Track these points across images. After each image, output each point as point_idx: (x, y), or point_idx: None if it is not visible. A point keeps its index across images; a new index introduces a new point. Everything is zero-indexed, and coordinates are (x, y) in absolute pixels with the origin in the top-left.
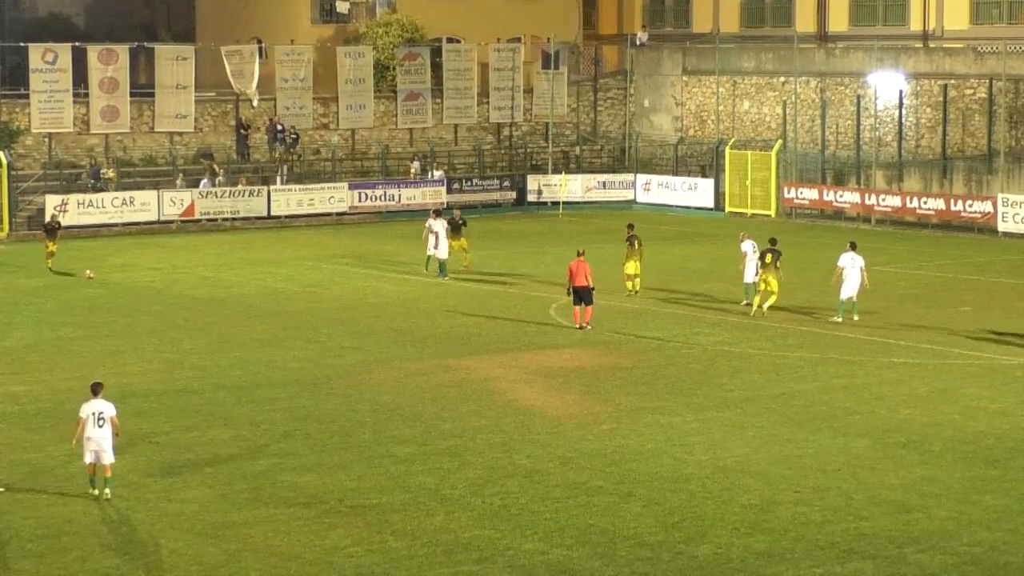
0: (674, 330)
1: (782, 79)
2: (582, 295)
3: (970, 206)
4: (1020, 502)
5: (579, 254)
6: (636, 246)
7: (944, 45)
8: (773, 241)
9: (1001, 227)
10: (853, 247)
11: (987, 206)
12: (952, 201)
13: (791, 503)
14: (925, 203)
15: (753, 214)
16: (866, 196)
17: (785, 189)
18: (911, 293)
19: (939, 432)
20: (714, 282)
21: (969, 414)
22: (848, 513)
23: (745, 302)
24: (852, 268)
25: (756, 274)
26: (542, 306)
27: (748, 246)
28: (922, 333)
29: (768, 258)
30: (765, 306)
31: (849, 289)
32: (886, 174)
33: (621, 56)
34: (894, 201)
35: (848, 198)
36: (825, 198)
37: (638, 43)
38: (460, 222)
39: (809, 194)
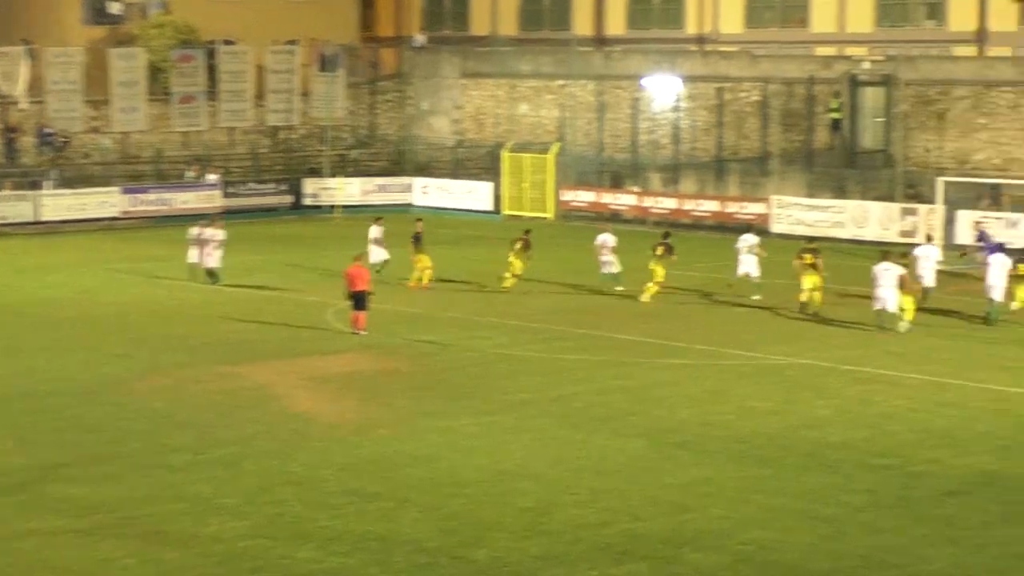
0: (452, 334)
1: (560, 82)
2: (360, 300)
3: (744, 208)
4: (791, 500)
5: (356, 259)
6: (523, 248)
7: (719, 48)
8: (666, 235)
9: (775, 228)
10: (885, 256)
11: (760, 207)
12: (727, 203)
13: (568, 505)
14: (700, 205)
15: (531, 217)
16: (643, 198)
17: (562, 192)
18: (687, 297)
19: (713, 432)
20: (492, 285)
21: (742, 414)
22: (625, 514)
23: (619, 289)
24: (886, 275)
25: (613, 266)
26: (318, 311)
27: (605, 238)
28: (697, 334)
29: (659, 250)
30: (646, 295)
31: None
32: (662, 176)
33: (399, 59)
34: (670, 203)
35: (625, 200)
36: (602, 200)
37: (416, 45)
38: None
39: (586, 196)
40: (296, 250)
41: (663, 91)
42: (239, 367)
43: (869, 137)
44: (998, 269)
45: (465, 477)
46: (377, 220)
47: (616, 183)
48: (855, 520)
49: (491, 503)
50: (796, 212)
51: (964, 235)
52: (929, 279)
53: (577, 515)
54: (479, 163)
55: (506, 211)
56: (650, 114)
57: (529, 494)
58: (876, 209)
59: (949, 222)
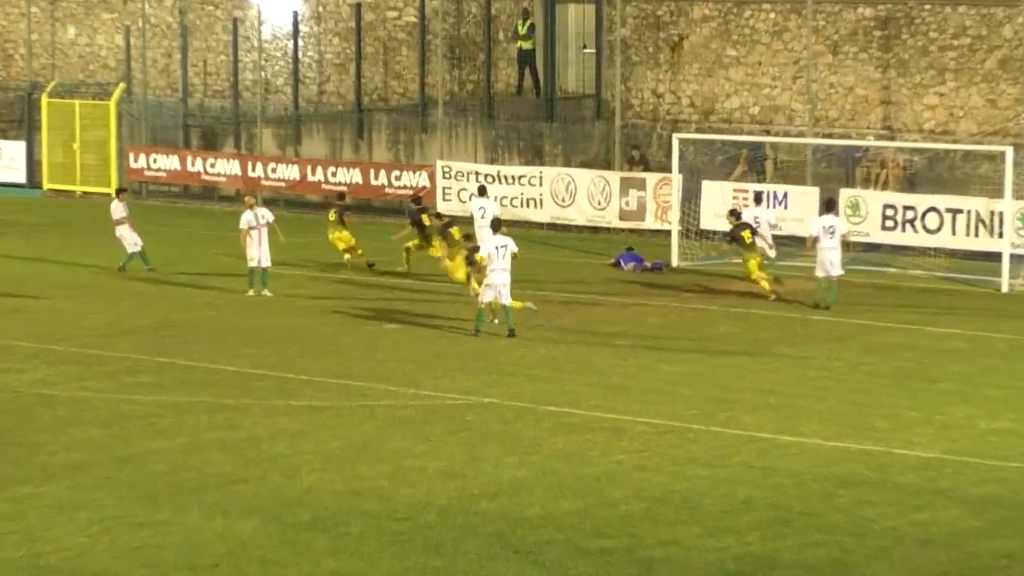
0: None
1: None
2: None
3: (398, 178)
4: None
5: None
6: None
7: None
8: (341, 195)
9: (441, 206)
10: (830, 207)
11: (422, 178)
12: (373, 172)
13: None
14: (334, 175)
15: (84, 193)
16: (250, 165)
17: (132, 156)
18: (318, 305)
19: (359, 505)
20: (33, 293)
21: (402, 478)
22: None
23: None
24: (832, 238)
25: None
26: None
27: (250, 217)
28: (333, 363)
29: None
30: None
31: (829, 265)
32: (278, 133)
33: None
34: (291, 172)
35: (223, 168)
36: (191, 168)
37: None
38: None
39: (167, 163)
40: None
41: (276, 10)
42: None
43: (574, 76)
44: (831, 236)
45: None
46: (120, 193)
47: (210, 143)
48: None
49: None
50: (473, 185)
51: (713, 214)
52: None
53: None
54: (6, 114)
55: (48, 184)
56: (258, 43)
57: None
58: (585, 180)
59: (690, 197)
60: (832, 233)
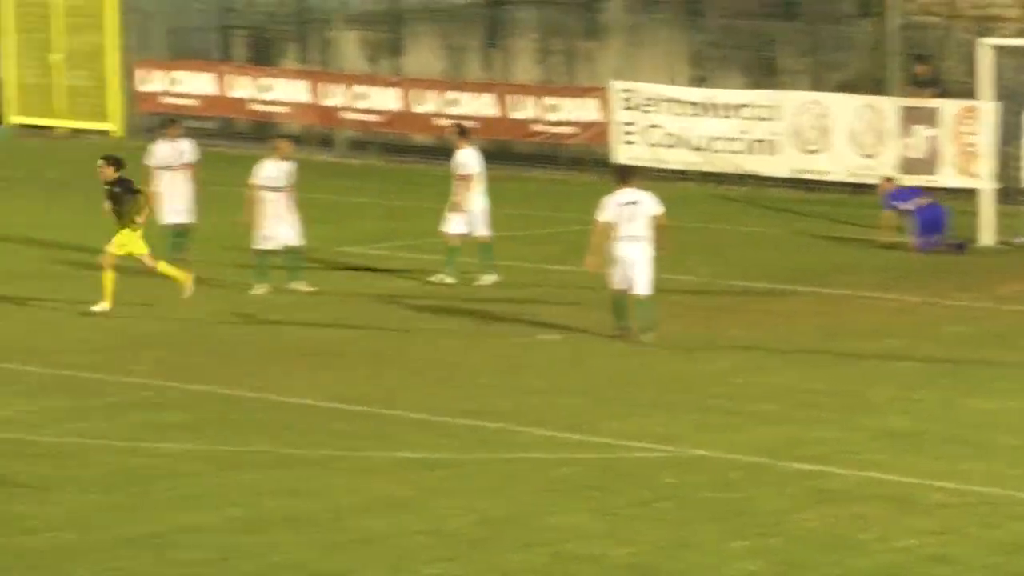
0: None
1: None
2: None
3: (552, 109)
4: None
5: None
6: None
7: None
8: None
9: (624, 153)
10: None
11: (588, 109)
12: (511, 99)
13: None
14: (454, 103)
15: (73, 131)
16: (320, 89)
17: (140, 74)
18: (429, 305)
19: None
20: None
21: (567, 572)
22: None
23: None
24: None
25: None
26: None
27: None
28: (454, 394)
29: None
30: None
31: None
32: (365, 40)
33: None
34: (386, 99)
35: (282, 92)
36: (231, 93)
37: None
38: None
39: (196, 84)
40: None
41: None
42: None
43: None
44: None
45: None
46: (170, 126)
47: (261, 54)
48: None
49: None
50: (667, 118)
51: None
52: None
53: None
54: None
55: (14, 118)
56: None
57: None
58: (845, 111)
59: (1011, 138)
60: None
